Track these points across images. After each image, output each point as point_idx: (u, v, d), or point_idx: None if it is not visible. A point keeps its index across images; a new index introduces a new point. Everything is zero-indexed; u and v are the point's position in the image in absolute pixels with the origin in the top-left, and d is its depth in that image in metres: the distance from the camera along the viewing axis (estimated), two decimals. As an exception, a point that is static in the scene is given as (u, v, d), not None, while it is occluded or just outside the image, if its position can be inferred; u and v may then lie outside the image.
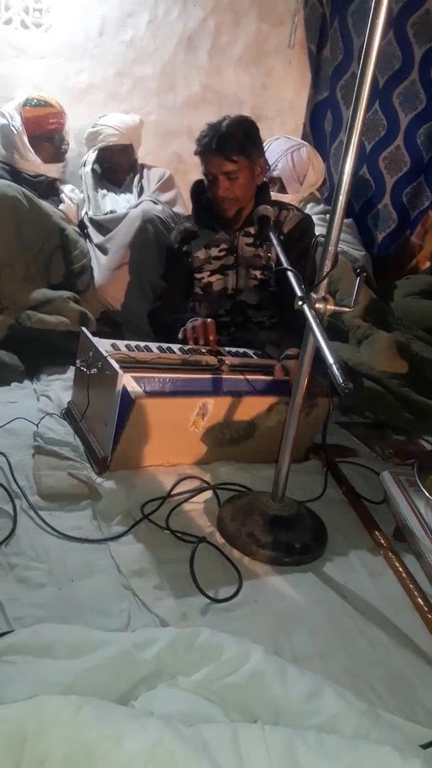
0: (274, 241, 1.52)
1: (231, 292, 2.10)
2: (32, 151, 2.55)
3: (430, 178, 2.83)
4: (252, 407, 1.62)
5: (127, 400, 1.45)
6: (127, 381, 1.48)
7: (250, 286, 2.08)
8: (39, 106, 2.57)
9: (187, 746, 0.75)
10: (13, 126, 2.52)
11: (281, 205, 2.10)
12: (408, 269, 2.85)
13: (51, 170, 2.65)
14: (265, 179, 2.07)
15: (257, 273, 2.07)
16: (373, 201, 3.08)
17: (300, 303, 1.23)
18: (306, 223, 2.09)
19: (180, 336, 1.86)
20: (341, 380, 1.06)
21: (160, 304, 2.17)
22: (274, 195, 2.68)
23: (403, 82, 2.85)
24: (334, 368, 1.08)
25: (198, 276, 2.12)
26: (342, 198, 1.22)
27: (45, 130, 2.58)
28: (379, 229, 3.08)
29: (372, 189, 3.07)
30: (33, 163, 2.57)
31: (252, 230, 2.04)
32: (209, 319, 1.86)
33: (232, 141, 1.88)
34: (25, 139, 2.53)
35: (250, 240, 2.05)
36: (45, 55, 2.85)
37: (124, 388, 1.47)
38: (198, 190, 2.09)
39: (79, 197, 2.74)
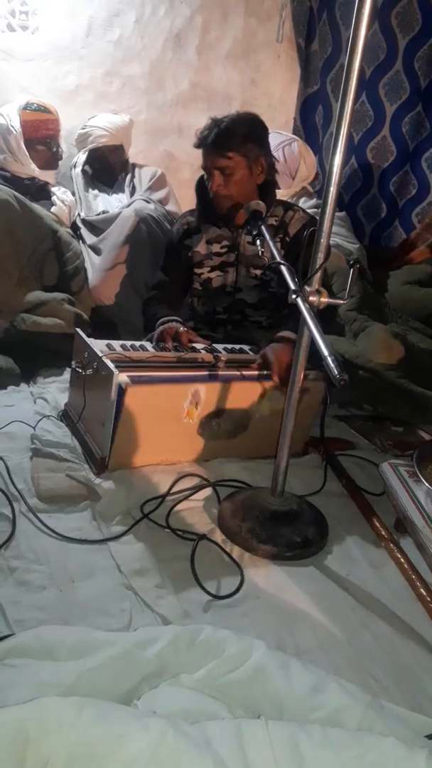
0: (266, 236, 1.51)
1: (230, 290, 2.08)
2: (27, 154, 2.55)
3: (416, 166, 2.83)
4: (244, 393, 1.62)
5: (121, 395, 1.45)
6: (121, 378, 1.48)
7: (250, 285, 2.06)
8: (39, 111, 2.60)
9: (190, 744, 0.74)
10: (12, 126, 2.53)
11: (287, 206, 2.07)
12: (405, 262, 2.84)
13: (45, 176, 2.66)
14: (269, 178, 1.99)
15: (258, 272, 2.04)
16: (362, 192, 3.08)
17: (294, 296, 1.22)
18: (312, 225, 2.05)
19: (155, 339, 1.83)
20: (336, 372, 1.06)
21: (154, 294, 2.14)
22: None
23: (388, 73, 2.85)
24: (329, 360, 1.07)
25: (198, 271, 2.10)
26: (332, 189, 1.22)
27: (42, 135, 2.60)
28: (369, 220, 3.08)
29: (360, 180, 3.07)
30: (27, 167, 2.58)
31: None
32: (182, 329, 1.83)
33: (230, 137, 1.84)
34: (22, 142, 2.54)
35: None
36: (33, 58, 2.85)
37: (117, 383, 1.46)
38: (202, 185, 2.05)
39: (70, 199, 2.74)
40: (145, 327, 2.05)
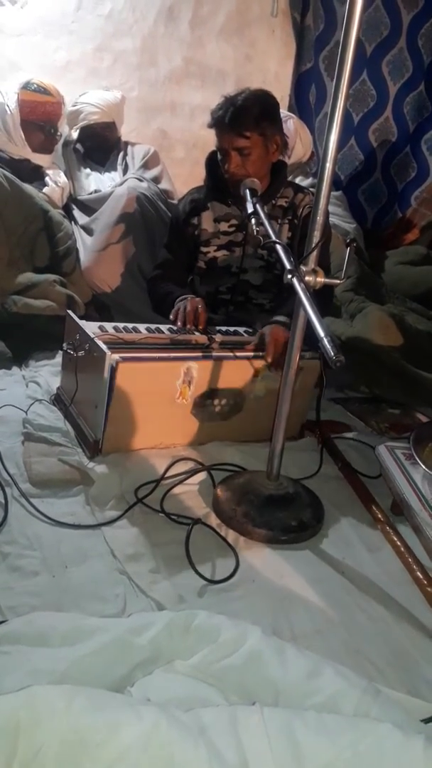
0: (261, 214, 1.48)
1: (235, 270, 2.04)
2: (23, 135, 2.48)
3: (416, 148, 2.76)
4: (237, 372, 1.61)
5: (112, 374, 1.43)
6: (113, 357, 1.45)
7: (256, 267, 2.02)
8: (38, 92, 2.48)
9: (183, 732, 0.73)
10: (7, 105, 2.44)
11: (297, 188, 2.02)
12: (401, 243, 2.81)
13: (39, 159, 2.57)
14: (281, 158, 1.96)
15: (264, 254, 2.00)
16: (363, 175, 3.00)
17: (289, 276, 1.19)
18: None
19: (171, 317, 1.83)
20: (333, 353, 1.04)
21: (159, 273, 2.10)
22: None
23: (392, 50, 2.76)
24: (325, 341, 1.05)
25: (204, 250, 2.04)
26: (328, 166, 1.19)
27: (37, 118, 2.49)
28: (371, 205, 3.01)
29: (362, 163, 3.00)
30: (20, 148, 2.50)
31: (265, 209, 1.96)
32: (199, 304, 1.81)
33: (247, 115, 1.78)
34: (18, 122, 2.45)
35: None
36: (22, 33, 2.77)
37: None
38: (213, 162, 1.98)
39: (63, 180, 2.67)
40: (158, 305, 2.00)
